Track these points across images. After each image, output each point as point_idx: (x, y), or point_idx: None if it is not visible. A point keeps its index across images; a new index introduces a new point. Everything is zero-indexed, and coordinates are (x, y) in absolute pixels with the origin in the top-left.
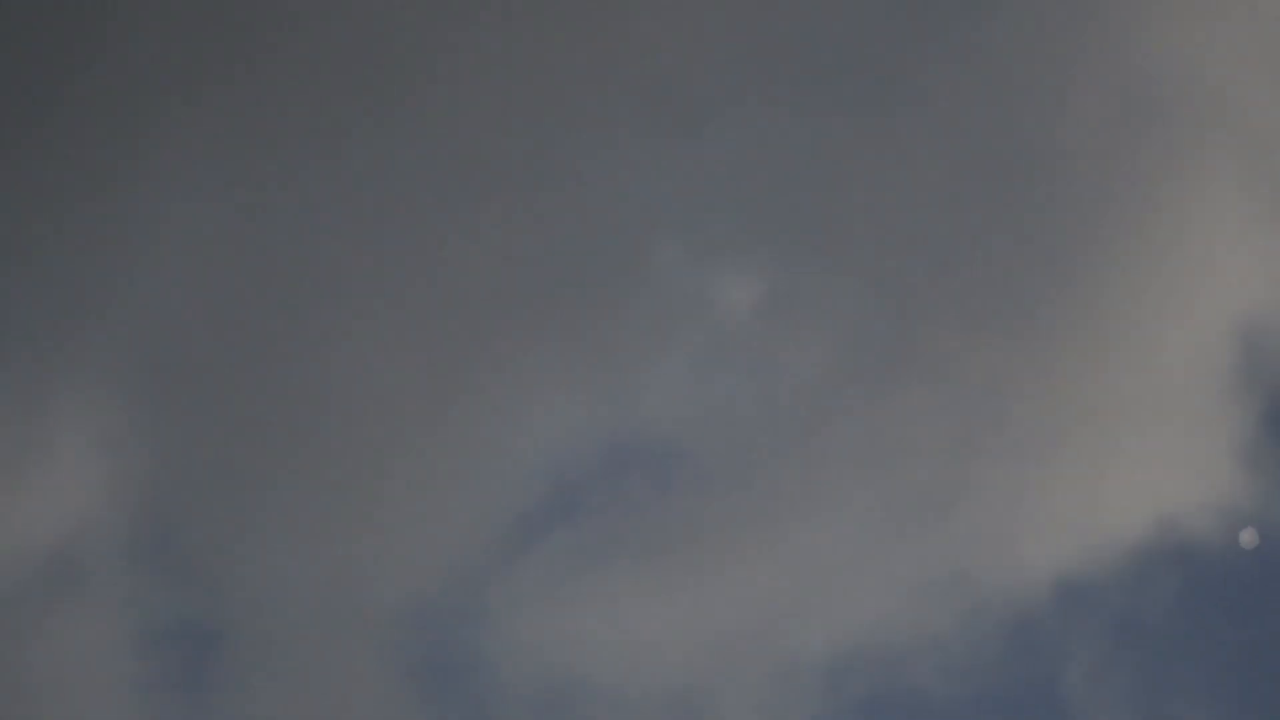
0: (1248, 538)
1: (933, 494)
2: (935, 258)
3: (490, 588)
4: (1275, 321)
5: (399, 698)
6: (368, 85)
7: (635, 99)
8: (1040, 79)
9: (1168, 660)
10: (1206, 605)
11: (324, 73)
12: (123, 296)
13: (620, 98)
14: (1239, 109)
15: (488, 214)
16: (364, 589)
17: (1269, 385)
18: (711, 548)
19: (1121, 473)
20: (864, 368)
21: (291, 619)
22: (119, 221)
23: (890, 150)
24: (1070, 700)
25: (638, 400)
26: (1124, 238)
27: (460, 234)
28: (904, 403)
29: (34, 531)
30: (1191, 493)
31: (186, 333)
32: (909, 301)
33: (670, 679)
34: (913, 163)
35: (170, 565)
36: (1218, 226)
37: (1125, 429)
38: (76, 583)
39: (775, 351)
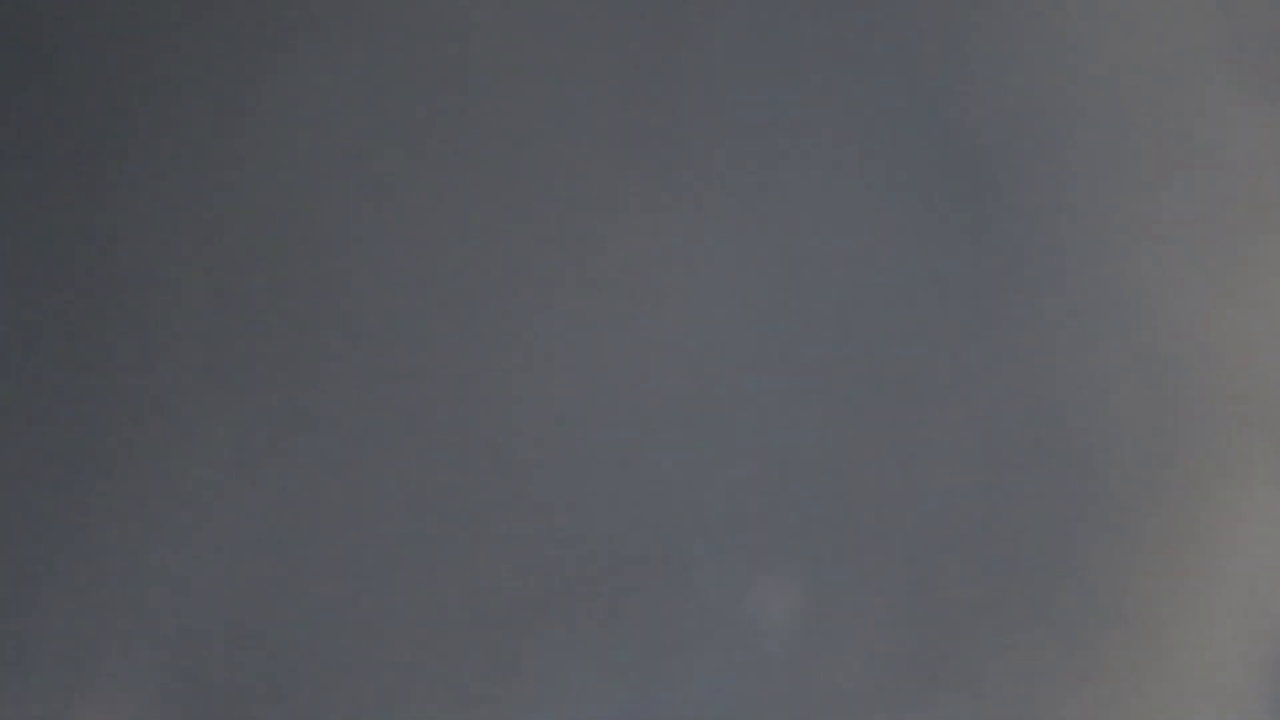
0: None
1: None
2: (972, 561)
3: None
4: None
5: None
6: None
7: (660, 401)
8: (1073, 368)
9: None
10: None
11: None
12: (146, 618)
13: (648, 400)
14: (1270, 394)
15: (514, 517)
16: None
17: None
18: None
19: None
20: (899, 681)
21: None
22: (142, 538)
23: (920, 446)
24: None
25: (668, 708)
26: (1167, 544)
27: (485, 537)
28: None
29: None
30: None
31: (213, 652)
32: (947, 608)
33: None
34: (944, 460)
35: None
36: (1264, 533)
37: None
38: None
39: (808, 666)
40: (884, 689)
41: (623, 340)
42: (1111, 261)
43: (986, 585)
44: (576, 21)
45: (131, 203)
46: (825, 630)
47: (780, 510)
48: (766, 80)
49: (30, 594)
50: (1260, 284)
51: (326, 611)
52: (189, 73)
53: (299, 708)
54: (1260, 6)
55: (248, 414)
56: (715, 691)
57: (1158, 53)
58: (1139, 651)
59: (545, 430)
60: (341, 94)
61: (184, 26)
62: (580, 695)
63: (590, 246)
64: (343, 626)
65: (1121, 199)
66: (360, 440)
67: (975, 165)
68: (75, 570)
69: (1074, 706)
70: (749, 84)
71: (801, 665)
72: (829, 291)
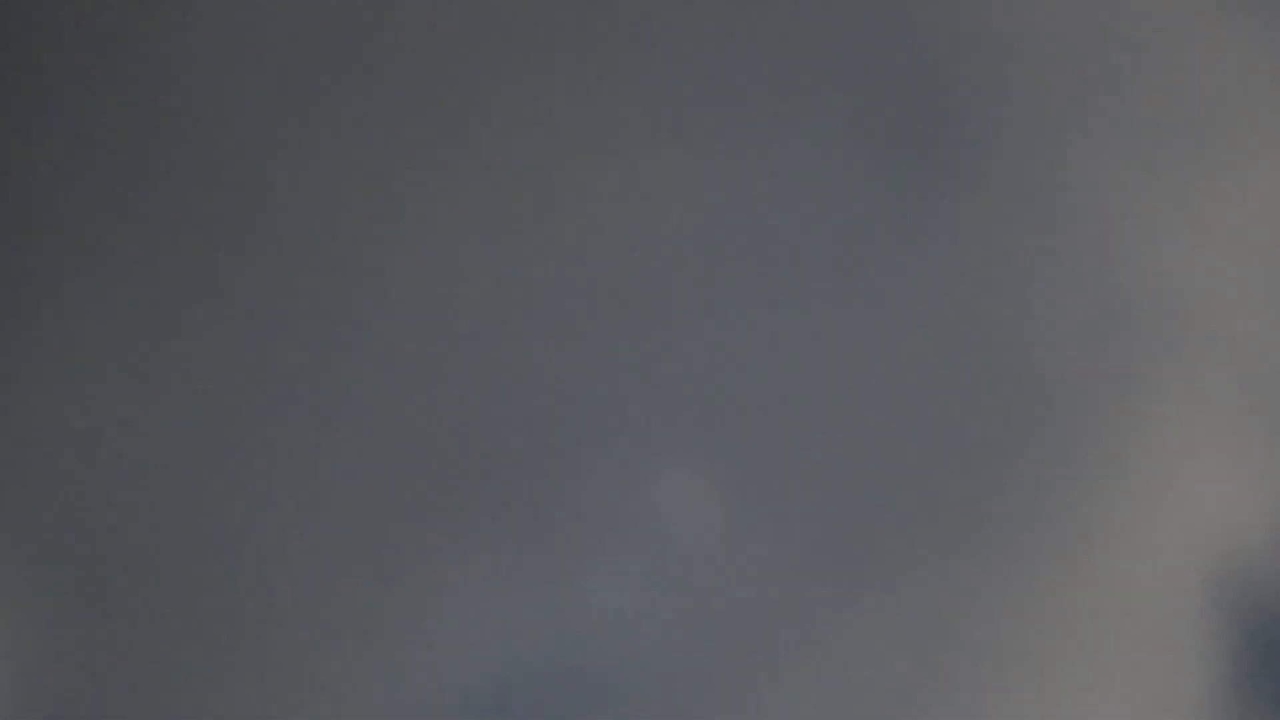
0: None
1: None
2: (898, 466)
3: None
4: (1256, 548)
5: None
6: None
7: (587, 296)
8: (1016, 281)
9: None
10: None
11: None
12: (10, 493)
13: (568, 295)
14: (1222, 325)
15: (417, 402)
16: None
17: (1246, 609)
18: None
19: (1091, 696)
20: (817, 582)
21: None
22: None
23: (849, 350)
24: None
25: (573, 612)
26: (1097, 451)
27: (386, 423)
28: (861, 620)
29: None
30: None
31: (82, 524)
32: (868, 511)
33: None
34: (874, 363)
35: None
36: (1198, 446)
37: (1093, 649)
38: None
39: (718, 565)
40: (804, 591)
41: (531, 226)
42: (1063, 182)
43: (911, 490)
44: None
45: None
46: (744, 531)
47: (698, 404)
48: (736, 36)
49: None
50: (1210, 207)
51: (214, 481)
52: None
53: (187, 614)
54: None
55: (122, 294)
56: (617, 587)
57: None
58: (1067, 558)
59: (448, 318)
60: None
61: None
62: (486, 593)
63: (521, 149)
64: (236, 537)
65: (1073, 124)
66: (253, 337)
67: (929, 94)
68: None
69: (996, 612)
70: (712, 37)
71: (716, 563)
72: (770, 196)
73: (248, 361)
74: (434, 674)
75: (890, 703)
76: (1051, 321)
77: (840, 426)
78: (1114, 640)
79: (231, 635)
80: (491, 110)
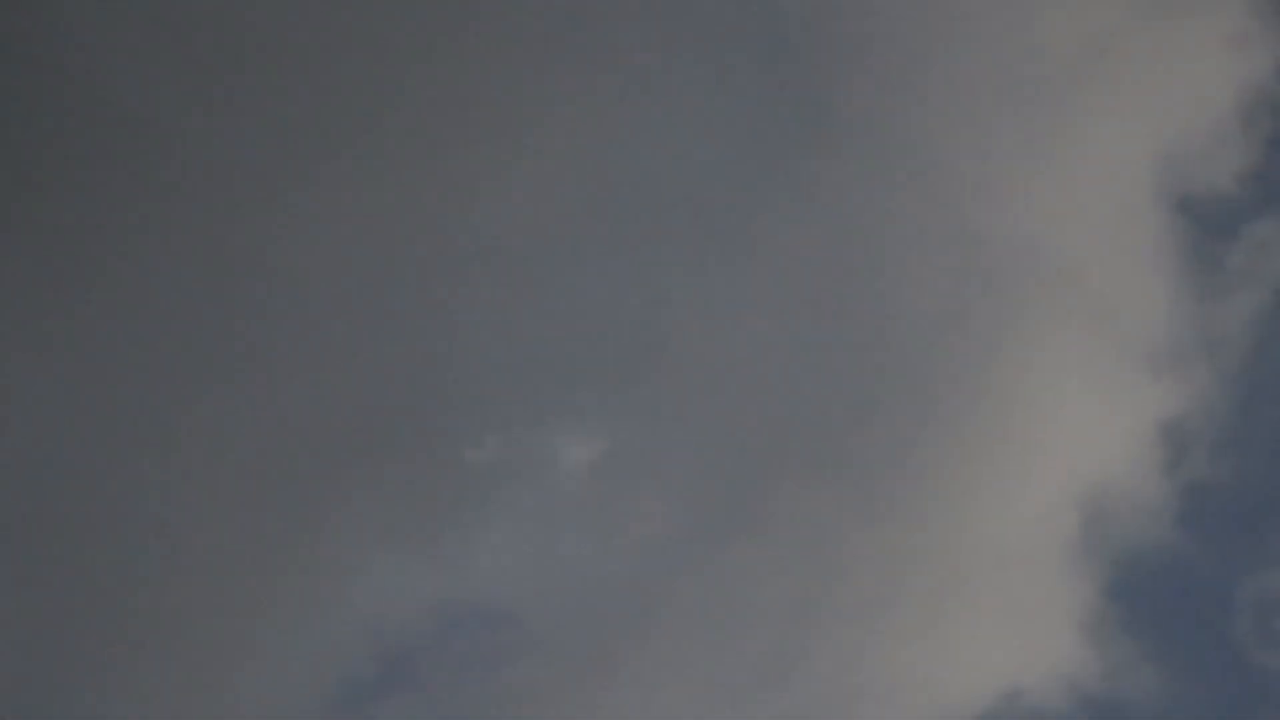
0: None
1: (770, 660)
2: (771, 414)
3: None
4: (1117, 488)
5: None
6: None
7: (472, 250)
8: (878, 236)
9: None
10: None
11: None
12: None
13: (459, 249)
14: (1083, 273)
15: (315, 360)
16: None
17: (1110, 552)
18: (544, 717)
19: (963, 641)
20: (700, 527)
21: None
22: None
23: (725, 303)
24: None
25: (469, 562)
26: (964, 399)
27: (288, 381)
28: (741, 564)
29: None
30: (1034, 662)
31: (10, 495)
32: (745, 459)
33: None
34: (747, 316)
35: None
36: (1060, 391)
37: (967, 596)
38: None
39: (609, 512)
40: (686, 537)
41: (419, 186)
42: (924, 144)
43: (788, 434)
44: None
45: None
46: (625, 479)
47: (587, 363)
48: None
49: None
50: (1071, 165)
51: (130, 451)
52: None
53: (98, 545)
54: None
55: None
56: (514, 537)
57: None
58: (938, 505)
59: (338, 286)
60: None
61: None
62: (380, 544)
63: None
64: (141, 466)
65: (935, 85)
66: (169, 262)
67: (789, 38)
68: None
69: (874, 555)
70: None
71: (601, 513)
72: (648, 162)
73: (151, 341)
74: (341, 632)
75: (771, 638)
76: (919, 278)
77: (721, 379)
78: (980, 577)
79: (141, 608)
80: (353, 94)
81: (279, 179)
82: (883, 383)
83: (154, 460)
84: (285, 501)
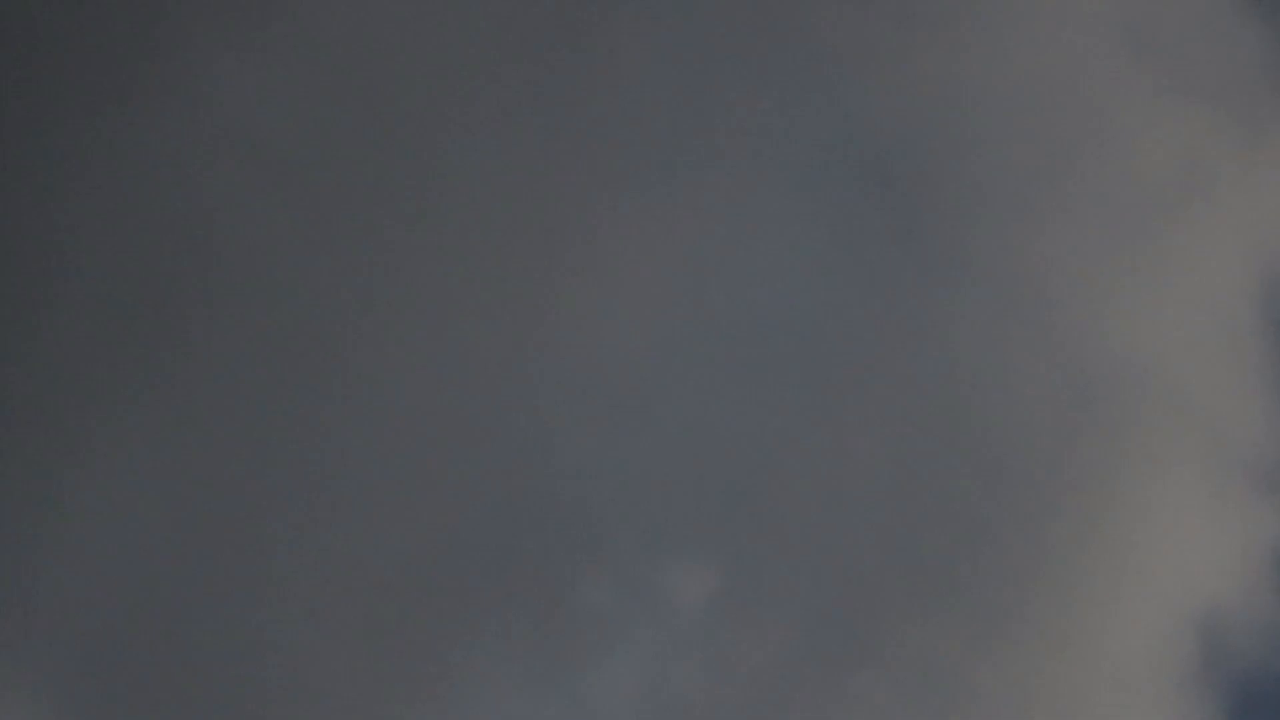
0: None
1: None
2: (887, 545)
3: None
4: (1234, 611)
5: None
6: (301, 362)
7: (580, 385)
8: (988, 365)
9: None
10: None
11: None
12: (45, 596)
13: (567, 385)
14: (1190, 395)
15: (422, 497)
16: None
17: (1230, 676)
18: None
19: None
20: (818, 659)
21: None
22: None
23: (839, 436)
24: None
25: (585, 702)
26: (1077, 525)
27: (399, 513)
28: (860, 695)
29: None
30: None
31: (115, 628)
32: (862, 591)
33: None
34: (859, 443)
35: None
36: (1172, 515)
37: (1077, 715)
38: None
39: (725, 645)
40: (804, 669)
41: (527, 327)
42: (1027, 263)
43: (904, 565)
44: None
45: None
46: (743, 612)
47: (699, 496)
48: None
49: None
50: (1171, 283)
51: (237, 582)
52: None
53: (203, 679)
54: (1163, 6)
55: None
56: (635, 672)
57: (1064, 52)
58: (1052, 633)
59: (464, 413)
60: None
61: None
62: (504, 677)
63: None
64: (247, 598)
65: (1036, 205)
66: (273, 392)
67: (894, 170)
68: None
69: (990, 685)
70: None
71: (719, 646)
72: (755, 291)
73: (262, 459)
74: None
75: None
76: (1023, 399)
77: (834, 508)
78: (1098, 705)
79: None
80: (481, 215)
81: (388, 316)
82: (997, 510)
83: (263, 601)
84: (394, 645)
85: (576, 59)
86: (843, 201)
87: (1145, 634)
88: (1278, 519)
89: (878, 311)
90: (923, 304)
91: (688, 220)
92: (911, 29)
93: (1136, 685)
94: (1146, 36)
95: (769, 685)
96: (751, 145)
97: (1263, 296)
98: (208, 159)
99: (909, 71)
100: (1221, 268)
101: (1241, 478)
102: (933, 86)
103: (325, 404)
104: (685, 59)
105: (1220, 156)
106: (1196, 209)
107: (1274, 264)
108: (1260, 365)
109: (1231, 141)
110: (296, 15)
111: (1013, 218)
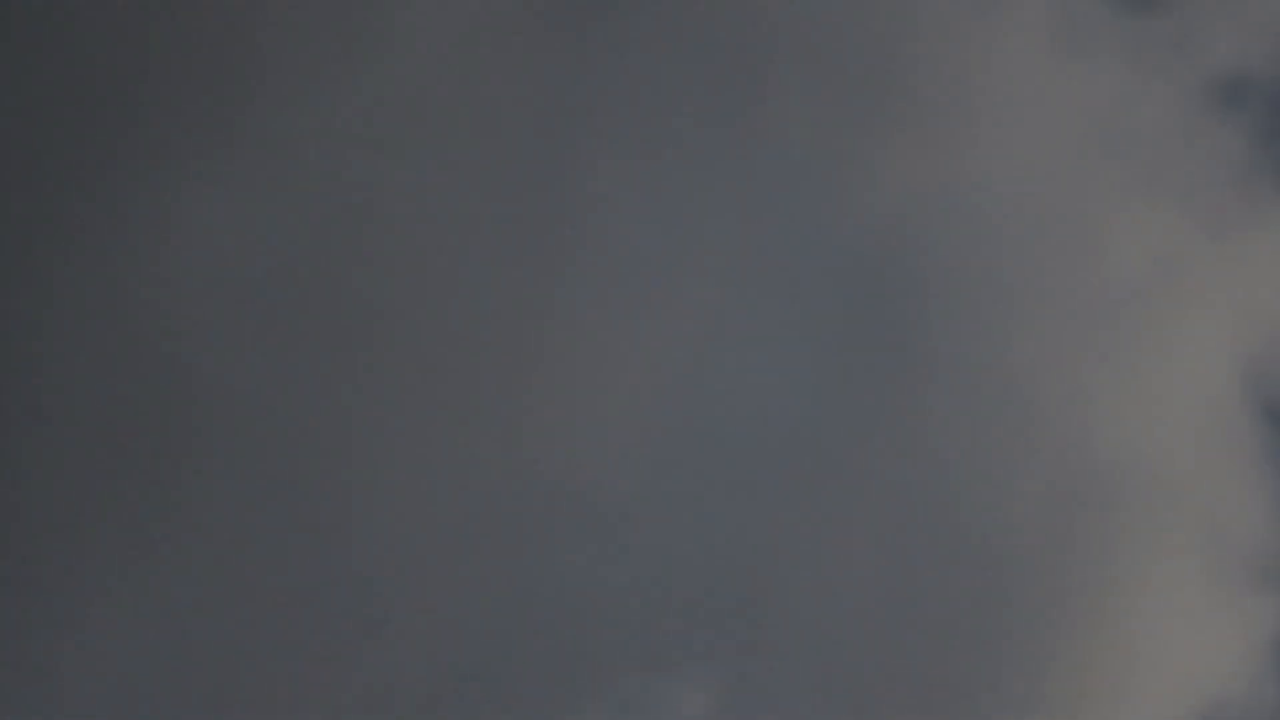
0: None
1: None
2: (885, 653)
3: None
4: (1234, 703)
5: None
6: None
7: (569, 506)
8: (976, 466)
9: None
10: None
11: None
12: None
13: (559, 510)
14: (1179, 487)
15: (425, 622)
16: None
17: None
18: None
19: None
20: None
21: None
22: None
23: (832, 545)
24: None
25: None
26: (1071, 620)
27: (397, 641)
28: None
29: None
30: None
31: None
32: (862, 700)
33: None
34: (855, 557)
35: None
36: (1172, 610)
37: None
38: None
39: None
40: None
41: (537, 447)
42: (1004, 356)
43: (899, 675)
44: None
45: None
46: None
47: (694, 613)
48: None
49: None
50: (1161, 378)
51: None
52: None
53: None
54: (1142, 104)
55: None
56: None
57: (1042, 155)
58: None
59: (457, 541)
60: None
61: None
62: None
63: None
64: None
65: (1012, 295)
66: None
67: (876, 275)
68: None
69: None
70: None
71: None
72: (742, 402)
73: (250, 606)
74: None
75: None
76: (1016, 501)
77: (826, 622)
78: None
79: None
80: (464, 342)
81: (374, 446)
82: (994, 613)
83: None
84: None
85: (554, 201)
86: (826, 309)
87: None
88: (1277, 609)
89: (865, 419)
90: (909, 408)
91: (673, 333)
92: (890, 135)
93: None
94: (1120, 138)
95: None
96: (733, 255)
97: (1244, 387)
98: (188, 295)
99: (889, 177)
100: (1203, 361)
101: (1239, 568)
102: (913, 192)
103: (314, 540)
104: (663, 165)
105: (1194, 248)
106: (1176, 305)
107: (1254, 354)
108: (1250, 455)
109: (1205, 234)
110: (275, 151)
111: (996, 319)
